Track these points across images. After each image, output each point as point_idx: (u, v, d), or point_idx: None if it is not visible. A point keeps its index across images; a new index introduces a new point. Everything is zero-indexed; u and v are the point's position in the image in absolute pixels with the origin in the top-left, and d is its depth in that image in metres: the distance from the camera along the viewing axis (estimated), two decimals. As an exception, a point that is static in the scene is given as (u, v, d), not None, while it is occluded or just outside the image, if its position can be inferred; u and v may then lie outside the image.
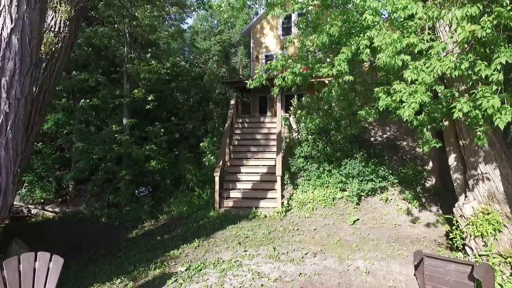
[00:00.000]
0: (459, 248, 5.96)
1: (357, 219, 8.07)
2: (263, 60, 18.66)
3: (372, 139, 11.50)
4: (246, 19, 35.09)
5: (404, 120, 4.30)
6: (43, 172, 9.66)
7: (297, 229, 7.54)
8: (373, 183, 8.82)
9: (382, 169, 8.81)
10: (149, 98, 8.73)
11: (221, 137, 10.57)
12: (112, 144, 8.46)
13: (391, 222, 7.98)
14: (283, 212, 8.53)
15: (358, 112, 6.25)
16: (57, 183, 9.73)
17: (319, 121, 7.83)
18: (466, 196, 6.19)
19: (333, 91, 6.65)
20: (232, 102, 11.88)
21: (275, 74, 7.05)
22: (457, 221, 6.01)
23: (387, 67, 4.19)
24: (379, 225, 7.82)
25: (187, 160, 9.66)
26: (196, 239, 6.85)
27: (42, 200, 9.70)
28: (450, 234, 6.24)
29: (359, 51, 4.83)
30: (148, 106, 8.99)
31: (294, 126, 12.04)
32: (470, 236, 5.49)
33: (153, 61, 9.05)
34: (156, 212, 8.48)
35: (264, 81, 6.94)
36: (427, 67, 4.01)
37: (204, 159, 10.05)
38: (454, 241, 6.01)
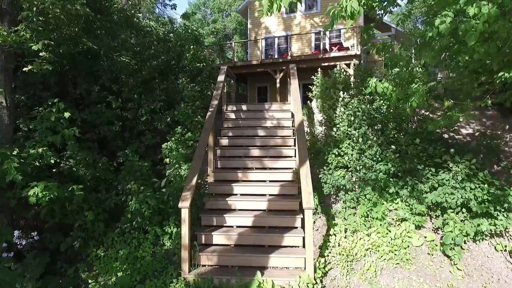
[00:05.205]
0: None
1: (484, 307, 3.76)
2: (263, 42, 15.62)
3: (445, 135, 7.15)
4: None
5: None
6: None
7: None
8: (493, 220, 4.49)
9: (514, 193, 4.47)
10: (37, 49, 4.22)
11: (200, 132, 6.18)
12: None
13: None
14: (318, 280, 4.17)
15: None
16: None
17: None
18: None
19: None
20: (221, 78, 7.51)
21: None
22: None
23: None
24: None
25: (136, 174, 5.28)
26: None
27: None
28: None
29: None
30: (29, 67, 4.43)
31: (318, 116, 7.67)
32: None
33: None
34: (54, 287, 4.05)
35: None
36: None
37: (168, 172, 5.64)
38: None
